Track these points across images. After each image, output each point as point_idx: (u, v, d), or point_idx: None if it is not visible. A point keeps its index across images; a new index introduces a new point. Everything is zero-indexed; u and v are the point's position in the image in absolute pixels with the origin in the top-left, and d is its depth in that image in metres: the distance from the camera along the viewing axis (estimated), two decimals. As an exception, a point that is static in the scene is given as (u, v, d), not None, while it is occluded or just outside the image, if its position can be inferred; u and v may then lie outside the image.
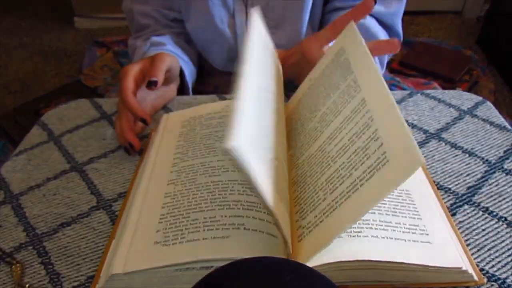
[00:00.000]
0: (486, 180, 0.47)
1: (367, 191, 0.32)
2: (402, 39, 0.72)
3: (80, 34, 2.30)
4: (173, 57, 0.59)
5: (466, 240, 0.40)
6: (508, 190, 0.45)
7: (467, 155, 0.50)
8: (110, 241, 0.40)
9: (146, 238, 0.37)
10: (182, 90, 0.67)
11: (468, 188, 0.46)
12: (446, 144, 0.52)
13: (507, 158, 0.49)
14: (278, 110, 0.44)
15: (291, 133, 0.47)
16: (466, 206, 0.44)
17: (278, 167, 0.38)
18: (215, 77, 0.82)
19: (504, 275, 0.37)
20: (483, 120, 0.55)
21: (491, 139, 0.52)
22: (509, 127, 0.54)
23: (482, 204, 0.44)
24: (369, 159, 0.33)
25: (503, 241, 0.40)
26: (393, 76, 1.18)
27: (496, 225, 0.41)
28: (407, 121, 0.55)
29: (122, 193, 0.47)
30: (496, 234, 0.41)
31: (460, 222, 0.42)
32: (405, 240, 0.35)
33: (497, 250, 0.39)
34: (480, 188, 0.46)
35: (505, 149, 0.51)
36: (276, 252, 0.35)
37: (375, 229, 0.35)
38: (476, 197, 0.45)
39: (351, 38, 0.44)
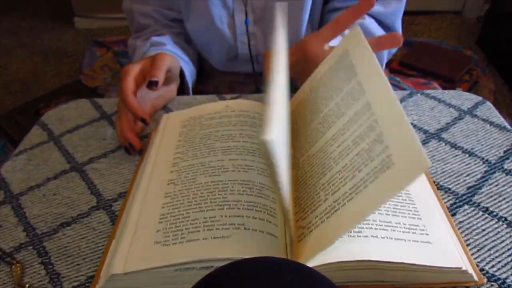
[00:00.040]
0: (486, 180, 0.47)
1: (370, 194, 0.32)
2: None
3: (80, 34, 2.31)
4: (174, 57, 0.59)
5: (466, 240, 0.40)
6: (508, 190, 0.45)
7: (467, 155, 0.50)
8: (110, 241, 0.40)
9: (146, 238, 0.37)
10: (182, 90, 0.67)
11: (468, 188, 0.46)
12: (446, 144, 0.52)
13: (507, 158, 0.49)
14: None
15: (291, 133, 0.47)
16: (466, 206, 0.44)
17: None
18: (215, 77, 0.82)
19: (504, 275, 0.37)
20: (483, 120, 0.55)
21: (491, 139, 0.52)
22: (509, 127, 0.54)
23: (482, 204, 0.44)
24: (373, 161, 0.33)
25: (503, 241, 0.40)
26: (393, 76, 1.18)
27: (496, 225, 0.41)
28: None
29: (122, 193, 0.47)
30: (496, 234, 0.41)
31: (460, 222, 0.42)
32: (405, 240, 0.35)
33: (497, 250, 0.39)
34: (480, 188, 0.46)
35: (505, 149, 0.51)
36: (276, 252, 0.35)
37: (375, 229, 0.35)
38: (476, 197, 0.45)
39: (356, 40, 0.44)
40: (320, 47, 0.54)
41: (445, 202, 0.44)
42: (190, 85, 0.69)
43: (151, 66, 0.54)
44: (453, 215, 0.43)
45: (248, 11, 0.69)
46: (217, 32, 0.71)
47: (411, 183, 0.30)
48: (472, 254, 0.39)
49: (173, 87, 0.63)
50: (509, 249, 0.39)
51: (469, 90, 1.55)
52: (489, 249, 0.39)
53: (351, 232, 0.35)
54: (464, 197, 0.45)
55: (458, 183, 0.46)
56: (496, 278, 0.37)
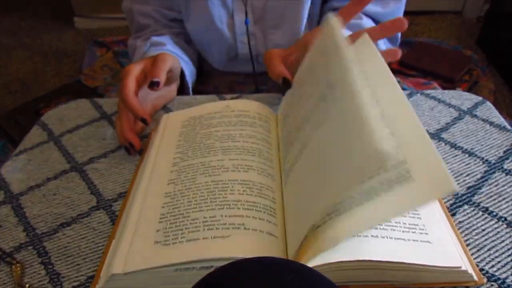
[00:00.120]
0: (486, 180, 0.47)
1: (382, 202, 0.32)
2: (399, 40, 0.72)
3: (80, 34, 2.31)
4: (175, 58, 0.59)
5: (466, 240, 0.40)
6: (508, 190, 0.45)
7: (467, 155, 0.50)
8: (110, 241, 0.40)
9: (146, 238, 0.37)
10: (182, 90, 0.67)
11: (468, 188, 0.46)
12: (446, 144, 0.52)
13: (507, 158, 0.49)
14: None
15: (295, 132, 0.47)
16: (466, 206, 0.44)
17: None
18: (215, 77, 0.82)
19: (504, 275, 0.37)
20: (483, 120, 0.55)
21: (491, 139, 0.52)
22: (509, 127, 0.54)
23: (482, 204, 0.44)
24: (388, 172, 0.33)
25: (503, 241, 0.40)
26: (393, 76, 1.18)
27: (496, 225, 0.41)
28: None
29: (122, 193, 0.47)
30: (496, 234, 0.41)
31: (460, 222, 0.42)
32: (404, 240, 0.35)
33: (497, 250, 0.39)
34: (480, 188, 0.46)
35: (505, 149, 0.51)
36: (276, 252, 0.35)
37: (375, 228, 0.35)
38: (476, 197, 0.45)
39: (367, 50, 0.43)
40: None
41: (445, 202, 0.44)
42: (190, 85, 0.69)
43: (152, 67, 0.54)
44: (453, 215, 0.43)
45: (248, 11, 0.69)
46: (217, 32, 0.71)
47: (429, 202, 0.30)
48: (472, 254, 0.39)
49: (174, 87, 0.63)
50: (509, 249, 0.39)
51: (469, 90, 1.55)
52: (489, 249, 0.39)
53: (351, 232, 0.35)
54: (464, 197, 0.45)
55: (458, 183, 0.46)
56: (496, 278, 0.37)
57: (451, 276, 0.35)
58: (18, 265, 0.40)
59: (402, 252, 0.34)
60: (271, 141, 0.48)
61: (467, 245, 0.40)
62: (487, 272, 0.37)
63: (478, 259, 0.38)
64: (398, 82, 1.10)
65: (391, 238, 0.35)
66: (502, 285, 0.36)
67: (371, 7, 0.67)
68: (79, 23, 2.36)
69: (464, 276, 0.35)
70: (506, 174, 0.47)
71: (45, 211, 0.46)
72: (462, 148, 0.51)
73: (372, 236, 0.35)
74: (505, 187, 0.46)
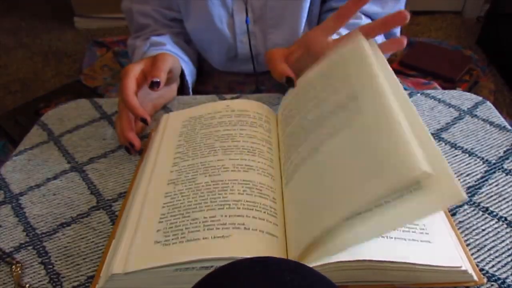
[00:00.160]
0: (486, 180, 0.47)
1: (390, 211, 0.32)
2: (398, 36, 0.72)
3: (80, 34, 2.31)
4: (175, 58, 0.59)
5: (466, 240, 0.40)
6: (508, 190, 0.45)
7: (467, 155, 0.50)
8: (110, 241, 0.40)
9: (146, 238, 0.37)
10: (182, 90, 0.67)
11: (468, 188, 0.46)
12: (446, 144, 0.52)
13: (507, 158, 0.49)
14: None
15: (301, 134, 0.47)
16: (466, 206, 0.44)
17: None
18: (215, 77, 0.82)
19: (504, 275, 0.37)
20: (483, 120, 0.55)
21: (491, 139, 0.52)
22: (509, 127, 0.54)
23: (482, 204, 0.44)
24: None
25: (503, 241, 0.40)
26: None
27: (496, 225, 0.41)
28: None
29: (122, 193, 0.47)
30: (496, 234, 0.41)
31: (460, 222, 0.42)
32: (405, 239, 0.35)
33: (497, 250, 0.39)
34: (480, 188, 0.46)
35: (505, 149, 0.51)
36: (276, 252, 0.35)
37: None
38: (476, 197, 0.45)
39: (381, 63, 0.44)
40: (325, 40, 0.53)
41: (445, 202, 0.44)
42: (190, 85, 0.69)
43: (152, 67, 0.54)
44: (453, 215, 0.43)
45: (248, 10, 0.69)
46: (216, 32, 0.71)
47: (438, 211, 0.30)
48: (472, 254, 0.39)
49: (174, 87, 0.63)
50: (509, 249, 0.39)
51: (469, 90, 1.55)
52: (489, 249, 0.39)
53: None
54: (464, 197, 0.45)
55: (458, 183, 0.46)
56: (496, 278, 0.37)
57: (451, 276, 0.35)
58: (18, 265, 0.40)
59: (402, 252, 0.34)
60: (271, 141, 0.48)
61: (467, 245, 0.40)
62: (487, 272, 0.37)
63: (478, 259, 0.38)
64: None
65: (391, 238, 0.35)
66: (502, 285, 0.36)
67: (370, 7, 0.67)
68: (79, 23, 2.36)
69: (464, 276, 0.35)
70: (506, 174, 0.47)
71: (45, 211, 0.46)
72: (462, 148, 0.51)
73: (372, 236, 0.35)
74: (505, 187, 0.46)
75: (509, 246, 0.39)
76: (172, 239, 0.36)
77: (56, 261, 0.40)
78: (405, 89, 0.88)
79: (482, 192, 0.45)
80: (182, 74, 0.66)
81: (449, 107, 0.58)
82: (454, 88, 1.45)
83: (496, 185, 0.46)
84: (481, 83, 1.60)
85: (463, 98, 0.60)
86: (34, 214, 0.46)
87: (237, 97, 0.62)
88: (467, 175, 0.47)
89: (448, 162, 0.49)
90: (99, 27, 2.32)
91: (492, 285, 0.36)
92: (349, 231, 0.32)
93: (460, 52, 1.79)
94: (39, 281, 0.39)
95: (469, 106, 0.58)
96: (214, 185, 0.41)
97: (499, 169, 0.48)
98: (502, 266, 0.38)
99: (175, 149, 0.47)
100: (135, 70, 0.54)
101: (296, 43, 0.56)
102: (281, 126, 0.50)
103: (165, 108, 0.61)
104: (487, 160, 0.49)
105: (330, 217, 0.33)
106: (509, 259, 0.38)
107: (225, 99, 0.61)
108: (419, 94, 0.61)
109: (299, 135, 0.44)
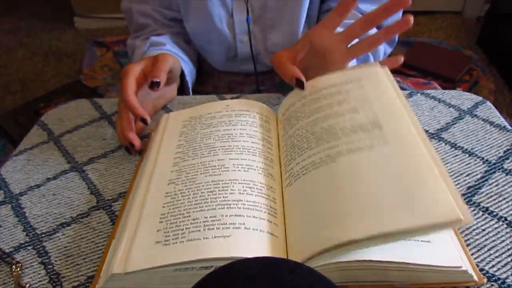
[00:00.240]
0: (486, 180, 0.47)
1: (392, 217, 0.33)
2: (396, 40, 0.72)
3: (80, 34, 2.31)
4: (175, 58, 0.59)
5: (466, 240, 0.40)
6: (508, 190, 0.45)
7: (467, 155, 0.50)
8: (110, 241, 0.40)
9: (146, 237, 0.37)
10: (182, 90, 0.67)
11: (468, 188, 0.46)
12: (446, 144, 0.52)
13: (507, 158, 0.49)
14: None
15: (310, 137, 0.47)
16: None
17: None
18: (214, 77, 0.82)
19: (504, 275, 0.37)
20: (483, 120, 0.55)
21: (491, 139, 0.52)
22: (509, 127, 0.54)
23: (482, 204, 0.44)
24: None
25: (503, 241, 0.40)
26: (393, 76, 1.18)
27: (496, 225, 0.41)
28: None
29: (122, 193, 0.47)
30: (496, 234, 0.41)
31: (460, 222, 0.42)
32: (405, 239, 0.35)
33: (497, 250, 0.39)
34: (480, 188, 0.46)
35: (505, 149, 0.51)
36: (277, 252, 0.35)
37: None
38: (476, 197, 0.45)
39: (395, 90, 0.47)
40: (328, 35, 0.53)
41: (445, 202, 0.44)
42: (190, 85, 0.69)
43: (152, 67, 0.54)
44: (453, 215, 0.43)
45: (248, 10, 0.69)
46: (216, 32, 0.71)
47: (435, 232, 0.33)
48: (472, 254, 0.39)
49: (174, 87, 0.63)
50: (509, 249, 0.39)
51: (469, 90, 1.55)
52: (489, 249, 0.39)
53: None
54: (464, 197, 0.45)
55: (458, 183, 0.46)
56: (496, 278, 0.37)
57: (451, 276, 0.35)
58: (18, 265, 0.40)
59: (402, 252, 0.34)
60: (271, 141, 0.48)
61: (467, 245, 0.40)
62: (487, 272, 0.37)
63: (478, 259, 0.38)
64: (398, 82, 1.10)
65: (391, 238, 0.35)
66: (502, 285, 0.36)
67: (368, 7, 0.67)
68: (79, 23, 2.36)
69: (464, 276, 0.35)
70: (506, 174, 0.47)
71: (45, 211, 0.46)
72: (462, 148, 0.51)
73: (372, 236, 0.35)
74: (505, 187, 0.46)
75: (509, 246, 0.39)
76: (172, 239, 0.36)
77: (56, 261, 0.40)
78: (405, 89, 0.88)
79: (482, 192, 0.45)
80: (182, 74, 0.66)
81: (449, 107, 0.58)
82: (454, 88, 1.45)
83: (496, 185, 0.46)
84: (481, 83, 1.60)
85: (463, 98, 0.60)
86: (34, 214, 0.46)
87: (237, 97, 0.62)
88: (467, 175, 0.47)
89: (448, 162, 0.49)
90: (99, 27, 2.32)
91: (492, 285, 0.36)
92: (365, 246, 0.33)
93: (460, 52, 1.79)
94: (39, 281, 0.39)
95: (469, 106, 0.58)
96: (214, 185, 0.41)
97: (499, 169, 0.48)
98: (502, 266, 0.38)
99: (175, 149, 0.47)
100: (135, 70, 0.54)
101: (299, 42, 0.56)
102: (282, 126, 0.50)
103: (165, 108, 0.61)
104: (487, 160, 0.49)
105: (354, 231, 0.33)
106: (509, 259, 0.38)
107: (225, 99, 0.61)
108: (419, 94, 0.61)
109: (308, 139, 0.44)
